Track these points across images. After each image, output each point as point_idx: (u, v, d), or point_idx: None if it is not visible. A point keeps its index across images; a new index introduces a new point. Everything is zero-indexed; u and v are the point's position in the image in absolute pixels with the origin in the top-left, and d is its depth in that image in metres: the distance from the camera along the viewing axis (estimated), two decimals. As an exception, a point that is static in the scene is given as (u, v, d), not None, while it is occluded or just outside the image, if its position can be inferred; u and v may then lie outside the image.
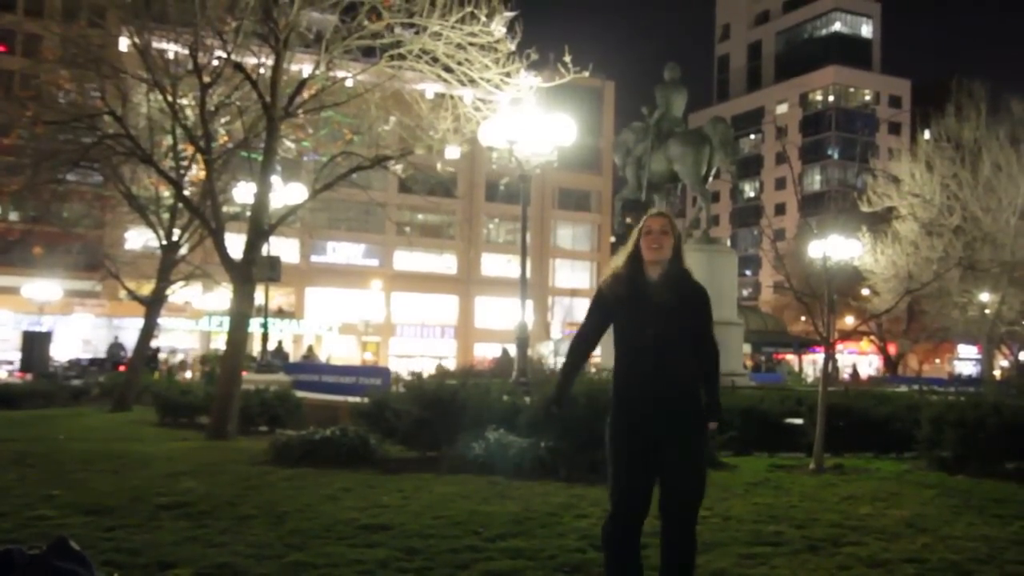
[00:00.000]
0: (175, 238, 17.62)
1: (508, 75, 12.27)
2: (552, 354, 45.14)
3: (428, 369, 28.57)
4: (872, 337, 47.91)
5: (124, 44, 14.66)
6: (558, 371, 3.91)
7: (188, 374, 29.72)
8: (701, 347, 3.64)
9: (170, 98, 12.91)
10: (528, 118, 12.26)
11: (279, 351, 29.60)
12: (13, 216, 28.61)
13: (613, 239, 61.57)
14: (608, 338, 3.78)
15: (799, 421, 10.27)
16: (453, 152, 13.47)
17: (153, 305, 18.45)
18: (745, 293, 76.45)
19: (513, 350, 14.38)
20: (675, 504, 3.52)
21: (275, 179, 15.01)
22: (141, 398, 17.44)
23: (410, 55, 12.16)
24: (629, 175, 18.23)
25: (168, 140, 15.23)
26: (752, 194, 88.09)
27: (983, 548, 5.22)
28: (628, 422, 3.56)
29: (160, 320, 21.56)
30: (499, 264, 57.70)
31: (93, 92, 15.45)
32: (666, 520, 3.55)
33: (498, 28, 11.81)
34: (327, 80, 12.80)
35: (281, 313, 48.20)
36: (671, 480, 3.52)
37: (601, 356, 20.46)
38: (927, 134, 29.75)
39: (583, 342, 3.79)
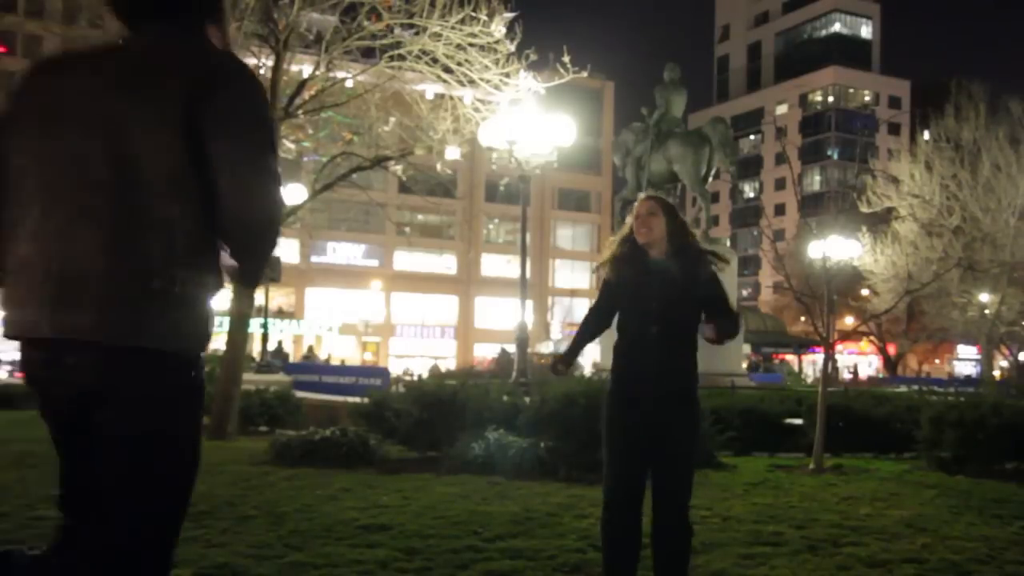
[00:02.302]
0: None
1: (508, 76, 12.29)
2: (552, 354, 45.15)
3: (427, 370, 28.59)
4: (872, 337, 47.97)
5: (124, 45, 14.67)
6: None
7: None
8: (719, 308, 3.59)
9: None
10: (528, 118, 12.28)
11: (279, 351, 29.63)
12: (13, 216, 28.61)
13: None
14: (604, 338, 3.78)
15: (799, 421, 10.28)
16: (453, 153, 13.48)
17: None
18: (745, 293, 76.51)
19: (513, 349, 14.40)
20: (666, 494, 3.51)
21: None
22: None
23: (410, 56, 12.17)
24: (629, 175, 18.24)
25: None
26: (752, 194, 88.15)
27: (983, 548, 5.22)
28: (626, 398, 3.54)
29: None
30: (499, 264, 57.72)
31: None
32: (658, 512, 3.53)
33: (498, 29, 11.82)
34: (327, 81, 12.81)
35: (281, 313, 48.23)
36: (663, 468, 3.51)
37: (601, 357, 20.50)
38: (927, 135, 29.80)
39: (589, 320, 3.80)
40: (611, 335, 3.72)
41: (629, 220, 3.68)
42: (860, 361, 58.14)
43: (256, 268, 2.10)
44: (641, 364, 3.53)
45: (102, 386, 1.90)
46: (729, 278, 18.50)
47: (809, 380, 29.43)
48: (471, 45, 11.92)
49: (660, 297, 3.51)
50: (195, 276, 1.95)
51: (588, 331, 3.81)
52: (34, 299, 1.90)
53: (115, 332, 1.87)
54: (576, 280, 63.61)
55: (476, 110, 12.96)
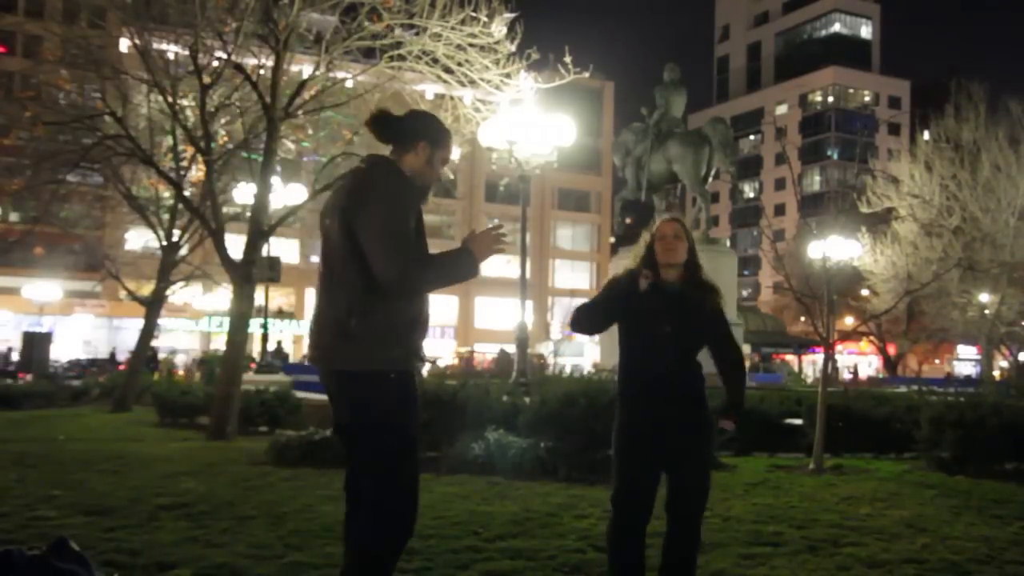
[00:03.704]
0: (175, 239, 17.62)
1: (508, 76, 12.29)
2: (552, 354, 45.16)
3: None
4: (872, 338, 47.93)
5: (124, 45, 14.67)
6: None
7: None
8: (725, 345, 3.70)
9: (170, 99, 12.91)
10: (528, 118, 12.28)
11: (279, 351, 29.61)
12: (13, 217, 28.61)
13: (613, 239, 61.71)
14: (605, 337, 3.79)
15: (799, 421, 10.27)
16: (453, 153, 13.45)
17: (153, 306, 18.45)
18: (745, 293, 76.49)
19: (512, 350, 14.39)
20: (683, 504, 3.55)
21: (275, 180, 15.00)
22: (141, 398, 17.44)
23: (410, 56, 12.17)
24: (629, 176, 18.23)
25: (168, 141, 15.23)
26: (752, 195, 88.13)
27: (983, 548, 5.22)
28: (638, 421, 3.56)
29: (160, 321, 21.56)
30: (499, 264, 57.39)
31: (93, 93, 15.45)
32: (673, 519, 3.57)
33: (498, 29, 11.82)
34: (327, 81, 12.81)
35: (281, 313, 48.16)
36: (680, 480, 3.56)
37: (601, 356, 20.49)
38: (926, 135, 29.79)
39: (595, 310, 3.70)
40: (610, 336, 3.73)
41: (647, 240, 3.71)
42: (860, 361, 58.13)
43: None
44: (653, 375, 3.57)
45: (335, 395, 3.16)
46: (729, 278, 18.52)
47: (809, 380, 29.39)
48: (471, 45, 11.91)
49: (676, 322, 3.57)
50: (370, 320, 3.01)
51: (595, 313, 3.72)
52: (311, 341, 3.22)
53: (332, 361, 3.10)
54: (576, 280, 63.59)
55: (476, 110, 12.97)
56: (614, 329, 3.72)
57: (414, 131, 3.25)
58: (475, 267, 3.14)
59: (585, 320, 3.68)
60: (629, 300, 3.62)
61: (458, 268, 3.12)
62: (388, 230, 2.98)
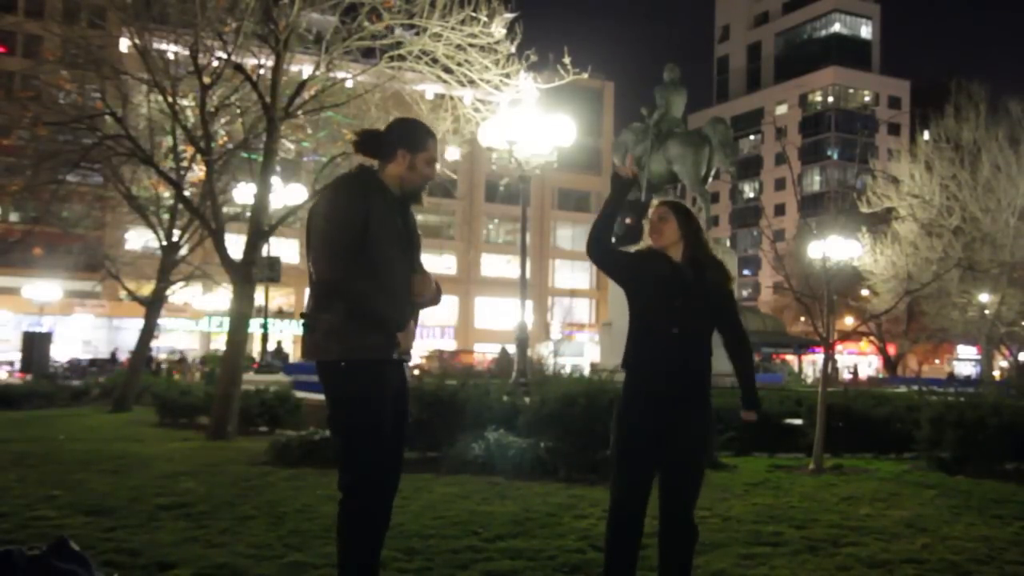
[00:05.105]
0: (175, 239, 17.62)
1: (508, 76, 12.29)
2: (552, 354, 45.16)
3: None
4: (872, 338, 47.90)
5: (124, 45, 14.67)
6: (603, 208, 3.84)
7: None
8: (734, 333, 3.70)
9: (170, 99, 12.91)
10: (528, 119, 12.28)
11: (279, 351, 29.61)
12: (13, 217, 28.63)
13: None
14: (605, 337, 3.80)
15: (799, 421, 10.27)
16: (453, 153, 13.47)
17: (153, 306, 18.45)
18: (745, 293, 76.45)
19: (512, 349, 14.39)
20: (678, 496, 3.55)
21: (275, 180, 14.99)
22: (141, 398, 17.44)
23: (410, 56, 12.17)
24: (629, 176, 18.21)
25: (168, 141, 15.23)
26: (752, 195, 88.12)
27: (983, 548, 5.22)
28: (642, 398, 3.55)
29: (160, 321, 21.56)
30: (499, 264, 57.66)
31: (93, 93, 15.45)
32: (667, 513, 3.56)
33: (498, 29, 11.82)
34: (327, 81, 12.81)
35: (281, 314, 48.13)
36: (675, 471, 3.55)
37: (601, 356, 20.48)
38: (926, 135, 29.79)
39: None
40: (610, 336, 3.75)
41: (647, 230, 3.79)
42: (860, 361, 58.14)
43: (345, 307, 3.30)
44: (659, 363, 3.55)
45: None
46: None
47: (809, 380, 29.39)
48: (471, 45, 11.92)
49: (683, 298, 3.57)
50: (330, 317, 3.25)
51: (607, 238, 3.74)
52: None
53: (302, 352, 3.43)
54: (576, 280, 63.56)
55: (476, 110, 12.97)
56: (614, 329, 3.74)
57: (392, 142, 3.42)
58: (380, 326, 3.28)
59: (600, 230, 3.74)
60: (639, 283, 3.63)
61: (372, 320, 3.28)
62: (318, 244, 3.25)
